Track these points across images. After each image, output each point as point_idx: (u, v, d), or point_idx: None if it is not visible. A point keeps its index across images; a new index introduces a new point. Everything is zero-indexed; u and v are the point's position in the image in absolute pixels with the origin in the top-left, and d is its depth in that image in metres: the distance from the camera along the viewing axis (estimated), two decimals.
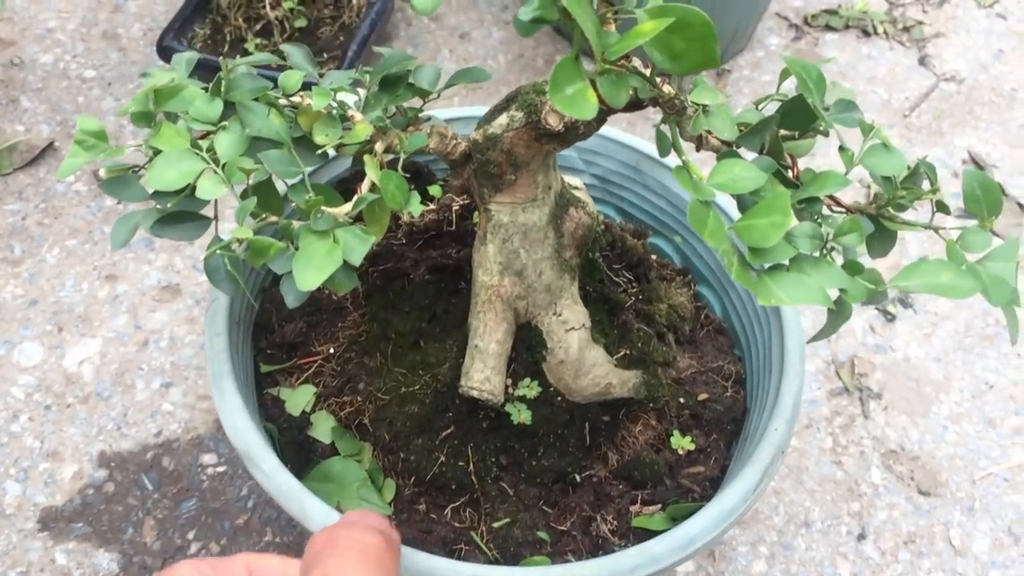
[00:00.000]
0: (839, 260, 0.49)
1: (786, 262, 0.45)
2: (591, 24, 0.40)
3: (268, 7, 1.14)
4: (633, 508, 0.68)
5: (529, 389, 0.64)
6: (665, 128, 0.51)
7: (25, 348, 1.01)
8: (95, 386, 0.99)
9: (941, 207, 0.51)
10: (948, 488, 0.97)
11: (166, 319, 1.04)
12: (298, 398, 0.71)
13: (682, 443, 0.70)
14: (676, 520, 0.66)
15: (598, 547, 0.66)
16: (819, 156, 1.25)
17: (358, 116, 0.53)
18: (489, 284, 0.61)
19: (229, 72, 0.54)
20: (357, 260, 0.48)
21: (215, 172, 0.50)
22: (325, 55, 1.15)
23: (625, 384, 0.67)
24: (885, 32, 1.45)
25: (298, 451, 0.69)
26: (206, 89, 0.54)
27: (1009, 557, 0.92)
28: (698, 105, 0.49)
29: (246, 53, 1.14)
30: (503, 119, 0.56)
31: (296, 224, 0.50)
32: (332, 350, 0.72)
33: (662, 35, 0.41)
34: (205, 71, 1.13)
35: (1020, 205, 1.22)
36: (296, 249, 0.48)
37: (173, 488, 0.92)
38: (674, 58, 0.42)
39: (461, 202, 0.73)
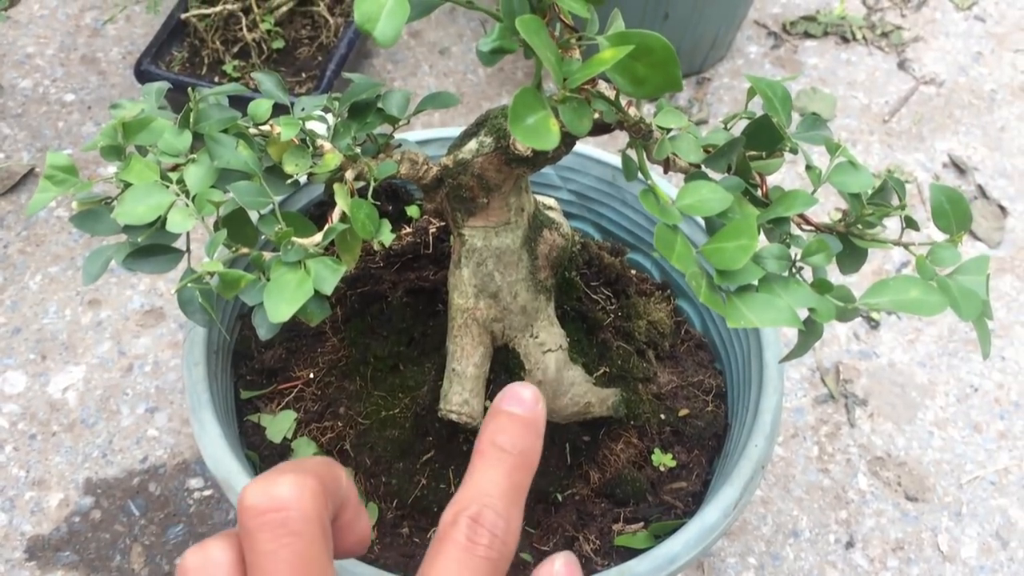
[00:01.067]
0: (809, 278, 0.49)
1: (755, 283, 0.46)
2: (550, 53, 0.40)
3: (245, 29, 1.14)
4: (616, 526, 0.68)
5: None
6: (631, 152, 0.51)
7: (9, 376, 1.01)
8: (80, 413, 0.98)
9: (910, 223, 0.51)
10: (935, 493, 0.97)
11: (150, 344, 1.04)
12: (279, 424, 0.71)
13: (663, 460, 0.70)
14: (659, 537, 0.66)
15: (581, 566, 0.66)
16: (799, 164, 1.26)
17: (327, 145, 0.53)
18: (465, 307, 0.61)
19: (198, 103, 0.54)
20: (328, 290, 0.48)
21: (185, 205, 0.50)
22: (304, 75, 1.15)
23: (604, 403, 0.67)
24: (864, 37, 1.46)
25: None
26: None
27: (997, 561, 0.92)
28: (663, 128, 0.50)
29: (224, 75, 1.14)
30: (472, 144, 0.56)
31: (268, 255, 0.50)
32: (312, 375, 0.72)
33: (624, 61, 0.41)
34: (183, 95, 1.13)
35: (1001, 208, 1.23)
36: (268, 280, 0.48)
37: (160, 514, 0.92)
38: (637, 83, 0.42)
39: (438, 224, 0.73)
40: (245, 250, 0.51)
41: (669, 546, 0.59)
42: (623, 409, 0.68)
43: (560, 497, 0.69)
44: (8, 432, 0.96)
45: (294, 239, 0.49)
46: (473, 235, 0.60)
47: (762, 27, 1.47)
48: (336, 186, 0.53)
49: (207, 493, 0.93)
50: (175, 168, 0.53)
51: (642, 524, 0.68)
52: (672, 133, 0.50)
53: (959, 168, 1.28)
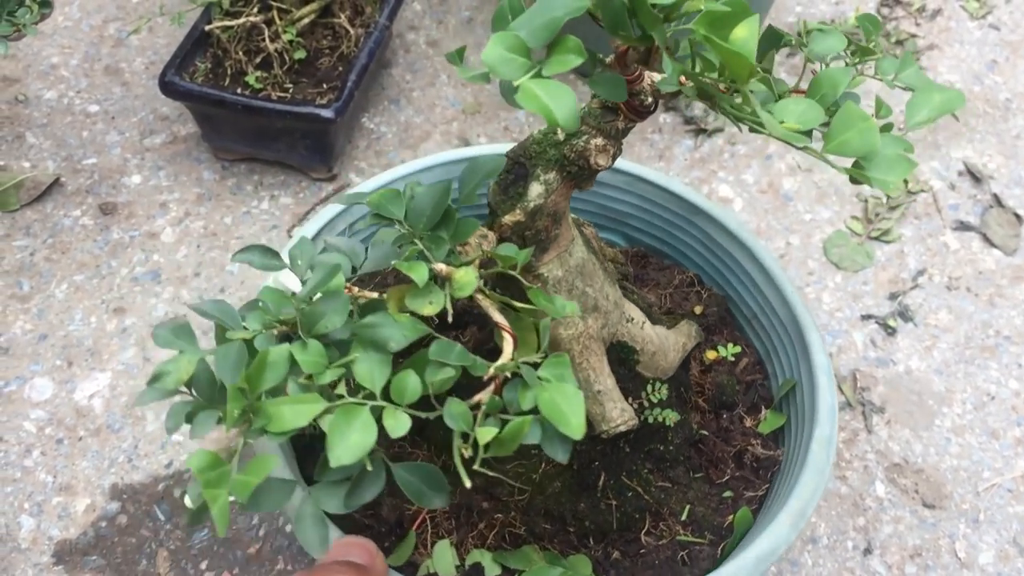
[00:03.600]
0: None
1: None
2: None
3: (267, 40, 1.15)
4: (748, 423, 0.74)
5: (660, 393, 0.68)
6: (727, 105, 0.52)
7: (36, 383, 1.03)
8: (105, 419, 1.00)
9: (866, 52, 0.58)
10: (953, 500, 0.98)
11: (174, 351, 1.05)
12: (443, 560, 0.67)
13: (728, 352, 0.78)
14: (782, 411, 0.74)
15: (759, 467, 0.72)
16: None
17: (443, 267, 0.52)
18: (577, 334, 0.62)
19: (300, 308, 0.49)
20: (577, 384, 0.48)
21: (393, 408, 0.45)
22: (325, 86, 1.16)
23: (691, 336, 0.72)
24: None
25: None
26: (287, 338, 0.49)
27: (1015, 568, 0.93)
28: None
29: (247, 86, 1.15)
30: (537, 188, 0.56)
31: (487, 400, 0.48)
32: None
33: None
34: (204, 104, 1.15)
35: (1017, 216, 1.23)
36: (529, 411, 0.47)
37: (185, 519, 0.93)
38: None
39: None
40: (485, 397, 0.49)
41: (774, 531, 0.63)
42: (701, 332, 0.74)
43: (704, 433, 0.73)
44: (36, 437, 0.98)
45: (520, 362, 0.48)
46: (551, 268, 0.60)
47: None
48: (480, 297, 0.52)
49: (231, 499, 0.94)
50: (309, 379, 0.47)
51: (761, 408, 0.75)
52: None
53: (974, 176, 1.28)
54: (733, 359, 0.79)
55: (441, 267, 0.51)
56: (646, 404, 0.68)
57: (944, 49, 1.48)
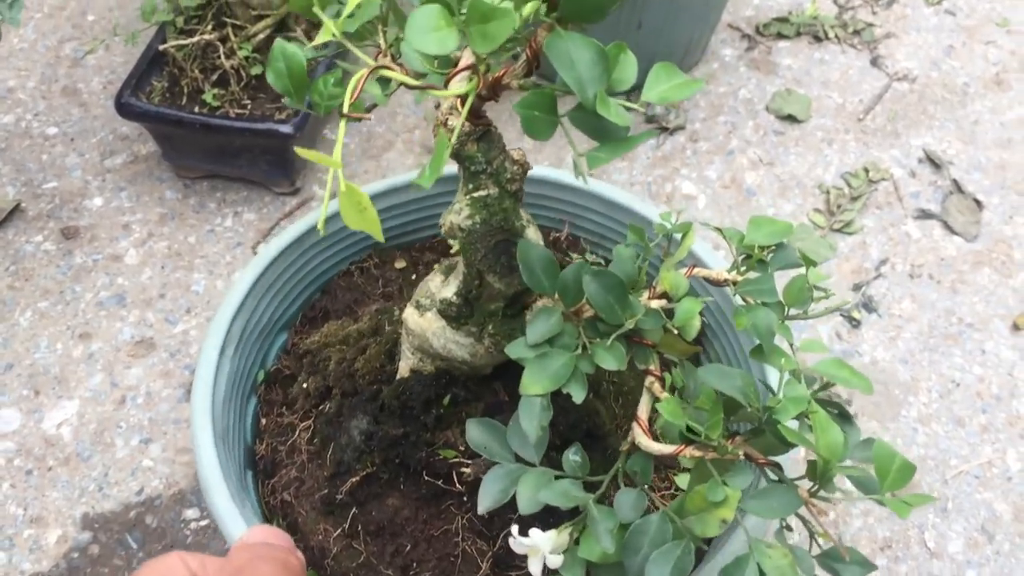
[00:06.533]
0: None
1: None
2: None
3: (223, 57, 1.14)
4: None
5: None
6: None
7: (3, 414, 1.02)
8: (75, 447, 1.00)
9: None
10: (921, 490, 0.99)
11: (141, 374, 1.05)
12: None
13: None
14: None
15: None
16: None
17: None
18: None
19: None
20: None
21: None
22: (282, 100, 1.16)
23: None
24: (836, 36, 1.47)
25: None
26: None
27: (984, 555, 0.94)
28: None
29: (204, 104, 1.15)
30: (533, 231, 0.58)
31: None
32: None
33: None
34: (162, 124, 1.14)
35: (977, 201, 1.24)
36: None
37: (158, 545, 0.93)
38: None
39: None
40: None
41: None
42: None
43: None
44: (4, 469, 0.98)
45: None
46: None
47: (736, 30, 1.49)
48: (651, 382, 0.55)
49: (203, 523, 0.94)
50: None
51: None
52: None
53: (934, 163, 1.29)
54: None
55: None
56: None
57: (901, 36, 1.48)
